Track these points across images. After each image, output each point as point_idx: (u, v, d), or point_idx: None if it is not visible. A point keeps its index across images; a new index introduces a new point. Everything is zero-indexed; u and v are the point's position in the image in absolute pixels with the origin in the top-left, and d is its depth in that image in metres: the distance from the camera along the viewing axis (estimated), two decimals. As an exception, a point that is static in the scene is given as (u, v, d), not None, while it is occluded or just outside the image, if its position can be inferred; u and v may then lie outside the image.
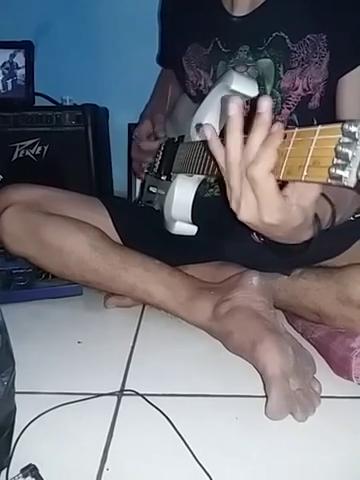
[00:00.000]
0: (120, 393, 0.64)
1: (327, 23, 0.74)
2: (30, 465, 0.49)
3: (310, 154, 0.39)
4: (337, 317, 0.69)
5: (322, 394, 0.61)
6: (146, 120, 0.97)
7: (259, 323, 0.67)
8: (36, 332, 0.81)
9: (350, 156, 0.34)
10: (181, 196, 0.84)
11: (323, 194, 0.61)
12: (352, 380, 0.64)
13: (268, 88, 0.81)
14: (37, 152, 1.23)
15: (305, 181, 0.40)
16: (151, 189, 0.99)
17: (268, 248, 0.75)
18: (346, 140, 0.34)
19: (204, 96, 0.82)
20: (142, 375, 0.68)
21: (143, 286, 0.79)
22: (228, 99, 0.47)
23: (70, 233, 0.81)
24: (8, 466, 0.50)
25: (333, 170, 0.35)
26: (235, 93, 0.71)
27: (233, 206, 0.51)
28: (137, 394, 0.63)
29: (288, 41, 0.77)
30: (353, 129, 0.34)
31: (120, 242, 0.87)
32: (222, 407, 0.62)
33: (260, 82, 0.80)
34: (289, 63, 0.78)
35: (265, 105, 0.44)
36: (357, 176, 0.34)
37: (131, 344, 0.77)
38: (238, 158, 0.47)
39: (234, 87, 0.70)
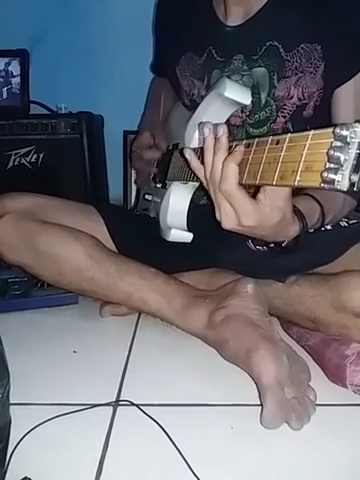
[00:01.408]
0: (116, 403, 0.64)
1: (322, 34, 0.74)
2: (25, 478, 0.49)
3: (303, 159, 0.39)
4: (332, 324, 0.69)
5: (317, 402, 0.61)
6: (145, 132, 0.98)
7: (254, 331, 0.67)
8: (31, 341, 0.81)
9: (342, 160, 0.34)
10: (176, 203, 0.84)
11: (310, 195, 0.65)
12: (347, 387, 0.64)
13: (263, 97, 0.81)
14: (32, 160, 1.23)
15: (298, 186, 0.41)
16: (146, 197, 0.99)
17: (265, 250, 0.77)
18: (338, 144, 0.35)
19: (198, 105, 0.82)
20: (138, 384, 0.68)
21: (138, 294, 0.79)
22: (202, 124, 0.58)
23: (65, 241, 0.81)
24: (3, 479, 0.50)
25: (325, 174, 0.35)
26: (228, 100, 0.71)
27: (217, 216, 0.59)
28: (132, 404, 0.63)
29: (282, 50, 0.77)
30: (344, 133, 0.34)
31: (115, 250, 0.87)
32: (217, 416, 0.62)
33: (255, 91, 0.81)
34: (283, 72, 0.78)
35: (222, 130, 0.55)
36: (349, 180, 0.34)
37: (127, 353, 0.77)
38: (209, 176, 0.57)
39: (227, 94, 0.70)
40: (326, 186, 0.36)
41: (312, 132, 0.39)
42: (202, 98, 0.85)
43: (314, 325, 0.72)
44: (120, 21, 1.35)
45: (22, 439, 0.56)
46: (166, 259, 0.83)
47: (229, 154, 0.54)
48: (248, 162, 0.52)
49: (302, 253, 0.78)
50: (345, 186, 0.35)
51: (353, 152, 0.34)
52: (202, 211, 0.90)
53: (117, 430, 0.59)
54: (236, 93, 0.71)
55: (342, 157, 0.34)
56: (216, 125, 0.57)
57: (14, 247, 0.82)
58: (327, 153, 0.35)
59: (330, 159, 0.35)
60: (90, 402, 0.63)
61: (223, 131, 0.55)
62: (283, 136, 0.44)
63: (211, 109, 0.75)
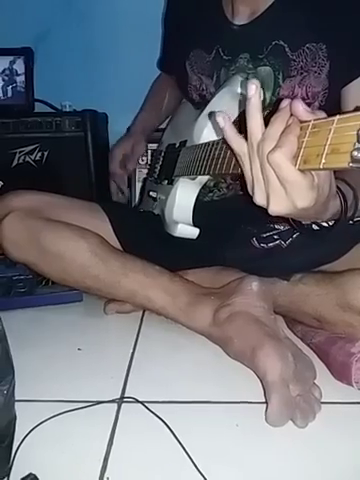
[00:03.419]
0: (120, 400, 0.64)
1: (327, 33, 0.74)
2: (30, 475, 0.49)
3: (328, 142, 0.40)
4: (337, 323, 0.69)
5: (322, 400, 0.61)
6: (127, 141, 1.07)
7: (259, 329, 0.67)
8: (36, 339, 0.81)
9: None
10: (183, 199, 0.84)
11: (343, 179, 0.60)
12: (352, 385, 0.64)
13: (268, 96, 0.81)
14: (37, 158, 1.23)
15: (323, 169, 0.41)
16: (151, 194, 0.99)
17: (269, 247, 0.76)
18: None
19: (207, 101, 0.82)
20: (142, 382, 0.68)
21: (143, 292, 0.79)
22: (246, 81, 0.50)
23: (70, 239, 0.81)
24: (8, 475, 0.50)
25: (355, 153, 0.36)
26: (241, 97, 0.71)
27: (259, 199, 0.49)
28: (137, 401, 0.63)
29: (287, 49, 0.77)
30: None
31: (120, 248, 0.87)
32: (222, 414, 0.62)
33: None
34: (288, 71, 0.78)
35: (287, 102, 0.46)
36: None
37: (131, 350, 0.77)
38: (259, 141, 0.46)
39: (242, 91, 0.70)
40: (354, 165, 0.37)
41: (338, 117, 0.40)
42: (212, 94, 0.85)
43: (319, 323, 0.72)
44: (124, 19, 1.35)
45: (27, 436, 0.56)
46: (171, 257, 0.83)
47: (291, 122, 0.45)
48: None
49: (307, 251, 0.78)
50: None
51: None
52: (207, 208, 0.90)
53: (122, 427, 0.59)
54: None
55: None
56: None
57: (19, 245, 0.82)
58: (357, 134, 0.36)
59: (358, 138, 0.36)
60: (95, 399, 0.63)
61: (288, 101, 0.46)
62: (306, 123, 0.44)
63: (222, 105, 0.75)
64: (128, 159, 1.10)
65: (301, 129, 0.44)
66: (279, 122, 0.45)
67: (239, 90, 0.70)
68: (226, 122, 0.48)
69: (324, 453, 0.55)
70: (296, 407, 0.58)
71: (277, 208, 0.47)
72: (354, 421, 0.60)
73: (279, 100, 0.49)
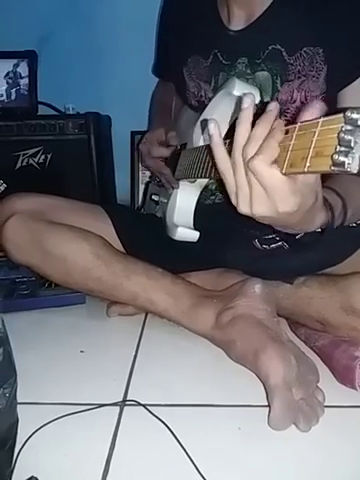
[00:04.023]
0: (122, 403, 0.63)
1: (324, 37, 0.74)
2: (32, 477, 0.49)
3: (313, 145, 0.39)
4: (341, 326, 0.69)
5: (325, 403, 0.61)
6: (160, 128, 0.93)
7: (262, 332, 0.67)
8: (39, 341, 0.81)
9: (352, 142, 0.35)
10: (183, 202, 0.84)
11: (331, 188, 0.60)
12: (356, 389, 0.64)
13: (266, 100, 0.81)
14: (40, 160, 1.24)
15: (308, 172, 0.40)
16: (153, 197, 0.99)
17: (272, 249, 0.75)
18: (348, 127, 0.35)
19: (205, 106, 0.82)
20: (144, 384, 0.68)
21: (146, 294, 0.79)
22: (241, 96, 0.49)
23: (73, 242, 0.81)
24: (10, 478, 0.50)
25: (336, 157, 0.36)
26: (237, 99, 0.71)
27: (243, 207, 0.49)
28: (139, 404, 0.63)
29: (284, 54, 0.77)
30: (355, 116, 0.35)
31: (123, 250, 0.87)
32: (224, 417, 0.61)
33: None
34: (286, 75, 0.78)
35: (273, 105, 0.46)
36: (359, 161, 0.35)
37: (134, 353, 0.77)
38: (243, 145, 0.46)
39: (236, 93, 0.70)
40: (336, 169, 0.36)
41: (322, 119, 0.39)
42: (210, 99, 0.85)
43: (323, 327, 0.72)
44: (127, 22, 1.35)
45: (29, 438, 0.56)
46: (173, 259, 0.83)
47: (272, 129, 0.45)
48: None
49: (310, 253, 0.78)
50: (355, 168, 0.35)
51: None
52: (208, 211, 0.90)
53: (124, 430, 0.59)
54: (245, 91, 0.70)
55: (353, 140, 0.35)
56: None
57: (22, 247, 0.83)
58: (338, 136, 0.36)
59: (341, 142, 0.35)
60: (97, 402, 0.63)
61: (275, 106, 0.46)
62: (292, 126, 0.44)
63: (219, 109, 0.75)
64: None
65: (288, 132, 0.44)
66: (263, 125, 0.45)
67: (235, 92, 0.70)
68: (215, 130, 0.49)
69: (327, 457, 0.54)
70: (299, 411, 0.57)
71: (260, 210, 0.48)
72: (357, 425, 0.60)
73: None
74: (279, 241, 0.80)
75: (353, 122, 0.35)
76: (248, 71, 0.81)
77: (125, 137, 1.36)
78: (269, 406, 0.58)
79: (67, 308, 0.92)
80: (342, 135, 0.35)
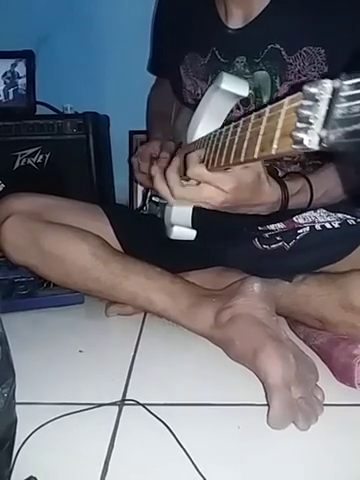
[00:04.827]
0: (121, 403, 0.63)
1: (326, 37, 0.73)
2: (31, 478, 0.49)
3: (279, 126, 0.39)
4: (339, 324, 0.68)
5: (325, 402, 0.61)
6: (155, 141, 0.94)
7: (261, 331, 0.67)
8: (37, 341, 0.81)
9: (311, 118, 0.33)
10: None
11: (298, 172, 0.67)
12: (355, 387, 0.64)
13: (265, 100, 0.81)
14: (39, 160, 1.23)
15: (277, 155, 0.40)
16: (154, 199, 0.99)
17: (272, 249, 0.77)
18: (308, 103, 0.33)
19: None
20: (143, 384, 0.68)
21: (144, 294, 0.79)
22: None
23: (71, 242, 0.81)
24: (9, 479, 0.50)
25: (295, 133, 0.34)
26: (225, 93, 0.70)
27: (206, 204, 0.64)
28: (138, 404, 0.62)
29: (284, 53, 0.77)
30: (313, 90, 0.33)
31: (121, 250, 0.87)
32: (224, 416, 0.61)
33: (257, 94, 0.80)
34: (285, 75, 0.78)
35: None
36: (319, 136, 0.32)
37: (132, 352, 0.76)
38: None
39: (224, 86, 0.69)
40: (298, 147, 0.34)
41: (288, 98, 0.38)
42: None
43: (321, 324, 0.71)
44: (125, 21, 1.35)
45: (28, 438, 0.56)
46: (172, 258, 0.83)
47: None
48: (234, 142, 0.52)
49: (309, 252, 0.78)
50: (315, 144, 0.33)
51: (322, 108, 0.32)
52: (208, 210, 0.90)
53: (123, 430, 0.59)
54: (232, 85, 0.69)
55: (311, 115, 0.33)
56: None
57: (20, 247, 0.82)
58: (297, 113, 0.34)
59: (300, 119, 0.34)
60: (96, 401, 0.63)
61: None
62: (263, 109, 0.43)
63: (210, 105, 0.74)
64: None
65: (260, 116, 0.44)
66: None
67: (223, 86, 0.69)
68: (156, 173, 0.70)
69: (326, 456, 0.54)
70: (298, 409, 0.57)
71: (216, 198, 0.63)
72: (357, 423, 0.60)
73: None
74: (280, 241, 0.80)
75: (311, 97, 0.33)
76: (247, 70, 0.81)
77: (123, 137, 1.36)
78: (268, 405, 0.58)
79: (66, 308, 0.92)
80: (301, 111, 0.33)
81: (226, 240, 0.85)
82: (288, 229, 0.80)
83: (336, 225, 0.76)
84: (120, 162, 1.37)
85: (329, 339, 0.70)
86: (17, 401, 0.53)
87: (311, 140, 0.33)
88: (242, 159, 0.49)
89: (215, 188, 0.61)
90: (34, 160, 1.23)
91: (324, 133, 0.32)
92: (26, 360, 0.67)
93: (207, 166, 0.60)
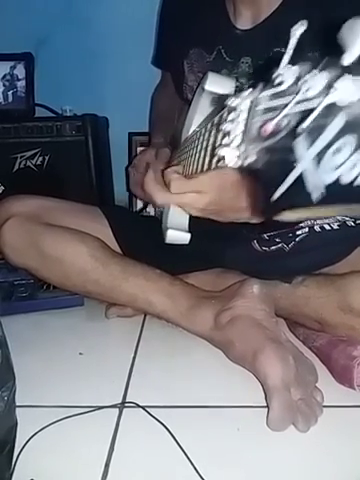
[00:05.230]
0: (121, 405, 0.63)
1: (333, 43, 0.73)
2: (31, 480, 0.49)
3: (211, 141, 0.38)
4: (338, 325, 0.69)
5: (324, 403, 0.61)
6: (150, 150, 0.92)
7: (260, 332, 0.67)
8: (37, 343, 0.81)
9: (232, 133, 0.30)
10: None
11: None
12: (354, 388, 0.64)
13: None
14: (38, 162, 1.23)
15: (218, 167, 0.37)
16: None
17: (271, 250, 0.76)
18: (231, 117, 0.31)
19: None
20: (143, 386, 0.68)
21: (144, 296, 0.79)
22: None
23: (70, 244, 0.81)
24: (9, 481, 0.50)
25: (217, 151, 0.32)
26: (212, 93, 0.70)
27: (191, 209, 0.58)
28: (138, 406, 0.63)
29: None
30: (234, 103, 0.31)
31: (120, 252, 0.87)
32: (223, 418, 0.61)
33: None
34: None
35: None
36: (237, 154, 0.30)
37: (132, 355, 0.77)
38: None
39: (208, 87, 0.68)
40: (221, 164, 0.32)
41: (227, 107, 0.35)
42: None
43: (321, 326, 0.72)
44: (124, 23, 1.35)
45: (28, 441, 0.56)
46: (171, 260, 0.83)
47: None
48: (198, 149, 0.50)
49: (308, 253, 0.78)
50: (232, 161, 0.31)
51: (241, 122, 0.30)
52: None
53: (123, 432, 0.59)
54: (216, 85, 0.68)
55: (231, 129, 0.30)
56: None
57: (19, 250, 0.82)
58: (219, 129, 0.32)
59: (223, 134, 0.32)
60: (96, 404, 0.63)
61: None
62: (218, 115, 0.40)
63: (200, 106, 0.74)
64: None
65: (212, 125, 0.41)
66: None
67: (206, 87, 0.68)
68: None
69: (326, 457, 0.54)
70: (298, 411, 0.57)
71: (200, 201, 0.55)
72: (356, 425, 0.60)
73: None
74: (279, 243, 0.80)
75: (233, 109, 0.31)
76: (251, 72, 0.81)
77: (123, 138, 1.36)
78: (268, 407, 0.58)
79: (65, 310, 0.92)
80: (224, 126, 0.31)
81: (225, 242, 0.85)
82: (287, 231, 0.80)
83: (335, 227, 0.76)
84: (119, 164, 1.37)
85: (328, 341, 0.70)
86: (17, 404, 0.53)
87: (231, 156, 0.30)
88: (204, 169, 0.45)
89: (196, 193, 0.55)
90: (33, 162, 1.23)
91: (242, 149, 0.29)
92: (26, 363, 0.67)
93: (188, 173, 0.56)
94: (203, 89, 0.69)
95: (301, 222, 0.77)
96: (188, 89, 0.91)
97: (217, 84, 0.68)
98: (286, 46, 0.85)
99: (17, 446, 0.53)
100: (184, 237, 0.76)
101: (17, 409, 0.53)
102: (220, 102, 0.71)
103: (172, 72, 0.99)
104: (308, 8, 0.75)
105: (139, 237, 0.90)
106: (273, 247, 0.80)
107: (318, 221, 0.77)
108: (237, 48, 0.82)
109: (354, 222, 0.79)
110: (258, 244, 0.82)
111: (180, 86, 0.93)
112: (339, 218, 0.77)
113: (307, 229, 0.78)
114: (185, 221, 0.80)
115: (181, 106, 0.99)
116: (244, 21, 0.81)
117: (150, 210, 1.03)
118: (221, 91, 0.68)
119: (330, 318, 0.69)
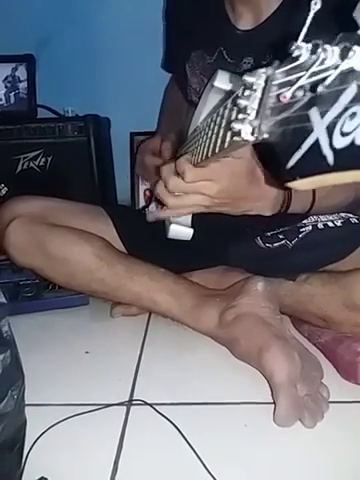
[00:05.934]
0: (129, 403, 0.64)
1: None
2: (42, 478, 0.50)
3: (225, 116, 0.38)
4: (343, 322, 0.69)
5: (330, 399, 0.61)
6: (156, 137, 0.94)
7: (265, 329, 0.67)
8: (44, 343, 0.82)
9: (248, 108, 0.31)
10: None
11: None
12: (359, 384, 0.64)
13: None
14: (41, 163, 1.24)
15: (229, 149, 0.39)
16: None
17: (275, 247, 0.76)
18: (246, 93, 0.32)
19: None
20: (150, 384, 0.69)
21: (149, 295, 0.79)
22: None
23: (75, 244, 0.81)
24: (20, 479, 0.50)
25: (233, 125, 0.32)
26: (221, 90, 0.70)
27: (204, 199, 0.60)
28: (146, 403, 0.63)
29: None
30: (250, 79, 0.31)
31: (125, 251, 0.87)
32: (230, 414, 0.62)
33: None
34: None
35: None
36: (252, 127, 0.31)
37: (138, 353, 0.77)
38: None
39: (217, 84, 0.69)
40: (237, 139, 0.33)
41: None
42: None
43: (325, 323, 0.72)
44: (126, 24, 1.35)
45: (37, 439, 0.56)
46: (175, 259, 0.83)
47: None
48: (208, 135, 0.50)
49: (312, 250, 0.78)
50: (248, 135, 0.31)
51: (257, 97, 0.31)
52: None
53: (131, 429, 0.59)
54: (225, 82, 0.68)
55: (248, 105, 0.31)
56: None
57: (24, 250, 0.83)
58: (236, 104, 0.33)
59: (239, 109, 0.32)
60: (103, 402, 0.63)
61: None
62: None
63: (208, 103, 0.74)
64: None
65: (225, 107, 0.42)
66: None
67: (215, 83, 0.69)
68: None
69: (333, 452, 0.55)
70: (304, 407, 0.58)
71: (213, 189, 0.58)
72: (362, 420, 0.60)
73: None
74: (282, 239, 0.81)
75: (250, 86, 0.32)
76: None
77: (124, 139, 1.36)
78: (274, 403, 0.58)
79: (71, 310, 0.92)
80: (239, 101, 0.32)
81: (229, 239, 0.85)
82: (290, 228, 0.81)
83: (338, 224, 0.76)
84: (121, 164, 1.38)
85: (333, 337, 0.71)
86: (26, 403, 0.53)
87: (246, 131, 0.31)
88: (217, 152, 0.46)
89: (208, 181, 0.57)
90: (36, 163, 1.24)
91: (256, 123, 0.30)
92: (33, 362, 0.67)
93: (198, 161, 0.57)
94: (212, 86, 0.69)
95: (306, 217, 0.78)
96: (192, 91, 0.92)
97: (227, 81, 0.68)
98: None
99: (27, 444, 0.54)
100: (187, 232, 0.76)
101: (26, 408, 0.54)
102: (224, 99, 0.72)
103: (177, 75, 1.00)
104: (308, 8, 0.75)
105: (143, 236, 0.90)
106: (276, 244, 0.81)
107: (321, 218, 0.78)
108: (238, 49, 0.82)
109: (358, 219, 0.79)
110: (261, 241, 0.83)
111: (184, 89, 0.93)
112: (343, 215, 0.77)
113: (310, 226, 0.78)
114: (188, 216, 0.81)
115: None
116: (245, 22, 0.81)
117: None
118: (230, 88, 0.69)
119: (335, 315, 0.70)
